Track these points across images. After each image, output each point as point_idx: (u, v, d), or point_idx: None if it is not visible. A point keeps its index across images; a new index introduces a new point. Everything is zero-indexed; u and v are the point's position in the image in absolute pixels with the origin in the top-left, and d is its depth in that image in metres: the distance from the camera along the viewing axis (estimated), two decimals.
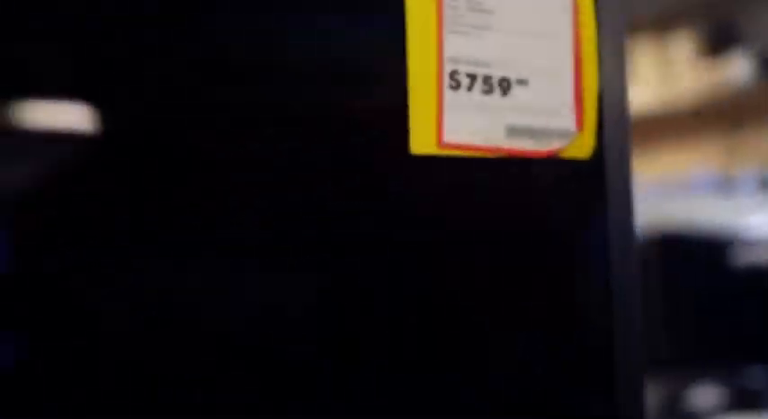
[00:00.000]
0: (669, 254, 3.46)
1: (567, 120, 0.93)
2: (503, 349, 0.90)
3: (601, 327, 0.93)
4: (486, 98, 0.91)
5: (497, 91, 0.91)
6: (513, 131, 0.91)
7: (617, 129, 0.95)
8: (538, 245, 0.92)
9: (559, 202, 0.93)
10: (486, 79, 0.91)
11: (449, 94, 0.89)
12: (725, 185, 4.36)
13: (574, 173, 0.93)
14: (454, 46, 0.90)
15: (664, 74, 4.71)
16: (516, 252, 0.92)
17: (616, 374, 0.93)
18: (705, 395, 3.18)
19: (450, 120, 0.89)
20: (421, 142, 0.88)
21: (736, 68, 4.49)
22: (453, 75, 0.90)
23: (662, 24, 4.72)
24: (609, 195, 0.94)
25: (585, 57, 0.94)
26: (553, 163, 0.92)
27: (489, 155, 0.90)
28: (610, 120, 0.95)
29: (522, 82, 0.92)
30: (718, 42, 4.62)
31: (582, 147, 0.93)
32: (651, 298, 3.39)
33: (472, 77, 0.90)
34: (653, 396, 3.29)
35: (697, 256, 3.45)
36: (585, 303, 0.93)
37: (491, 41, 0.91)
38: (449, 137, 0.89)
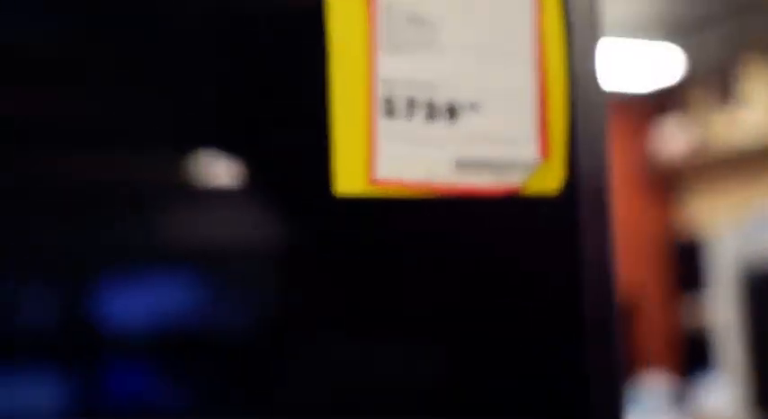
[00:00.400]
0: None
1: (528, 150, 0.79)
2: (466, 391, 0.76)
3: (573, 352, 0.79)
4: (430, 126, 0.77)
5: (443, 117, 0.78)
6: (463, 165, 0.78)
7: (593, 158, 0.80)
8: (501, 288, 0.78)
9: (525, 246, 0.79)
10: (430, 104, 0.77)
11: (383, 123, 0.76)
12: None
13: (540, 210, 0.79)
14: (389, 65, 0.77)
15: None
16: (478, 298, 0.78)
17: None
18: None
19: (385, 154, 0.76)
20: (347, 181, 0.75)
21: None
22: (388, 100, 0.76)
23: None
24: (583, 236, 0.79)
25: (551, 74, 0.80)
26: (515, 200, 0.78)
27: (435, 194, 0.77)
28: (584, 147, 0.80)
29: (473, 106, 0.78)
30: None
31: (548, 180, 0.79)
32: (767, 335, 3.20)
33: (412, 102, 0.77)
34: None
35: None
36: (556, 350, 0.79)
37: (435, 59, 0.78)
38: (382, 173, 0.76)
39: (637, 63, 4.29)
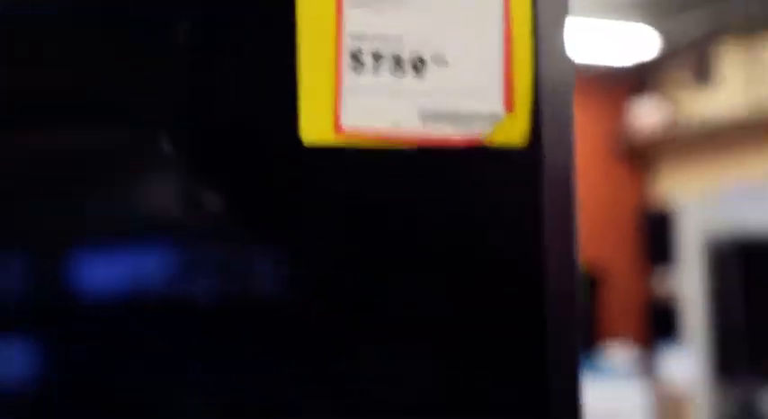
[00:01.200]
0: (751, 260, 3.32)
1: (493, 102, 0.81)
2: (417, 349, 0.78)
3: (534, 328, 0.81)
4: (396, 79, 0.79)
5: (409, 71, 0.79)
6: (428, 116, 0.79)
7: (557, 112, 0.82)
8: (461, 246, 0.80)
9: (487, 197, 0.81)
10: (396, 58, 0.79)
11: (349, 77, 0.78)
12: None
13: (504, 162, 0.81)
14: (357, 21, 0.78)
15: (752, 77, 4.50)
16: (435, 256, 0.80)
17: (549, 372, 0.81)
18: None
19: (351, 105, 0.78)
20: (314, 129, 0.77)
21: None
22: (356, 54, 0.78)
23: (752, 27, 4.51)
24: (546, 188, 0.81)
25: (517, 29, 0.82)
26: (480, 151, 0.80)
27: (399, 143, 0.79)
28: (549, 101, 0.82)
29: (439, 60, 0.80)
30: None
31: (513, 133, 0.81)
32: (731, 306, 3.24)
33: (378, 57, 0.79)
34: (727, 403, 3.18)
35: None
36: (516, 309, 0.81)
37: (402, 15, 0.79)
38: (349, 123, 0.78)
39: (614, 42, 4.32)
